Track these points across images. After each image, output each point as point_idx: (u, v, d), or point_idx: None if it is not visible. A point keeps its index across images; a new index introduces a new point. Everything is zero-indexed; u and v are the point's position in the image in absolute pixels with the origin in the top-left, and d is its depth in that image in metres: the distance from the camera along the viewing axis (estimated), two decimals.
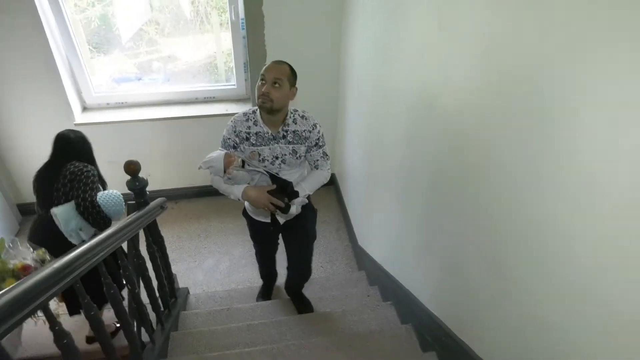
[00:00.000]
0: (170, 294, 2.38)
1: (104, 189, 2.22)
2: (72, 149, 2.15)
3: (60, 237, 2.05)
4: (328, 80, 3.40)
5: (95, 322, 1.31)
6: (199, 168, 1.86)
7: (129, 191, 2.01)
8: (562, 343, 1.08)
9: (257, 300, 2.72)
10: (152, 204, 2.11)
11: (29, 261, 1.87)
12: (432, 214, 1.84)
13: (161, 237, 2.27)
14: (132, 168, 2.03)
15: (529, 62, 1.08)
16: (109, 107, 3.37)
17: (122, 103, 3.39)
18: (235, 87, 3.51)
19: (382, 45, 2.27)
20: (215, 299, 2.74)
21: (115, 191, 2.13)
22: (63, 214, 2.00)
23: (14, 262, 1.84)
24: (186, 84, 3.54)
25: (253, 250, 3.32)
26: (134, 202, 2.07)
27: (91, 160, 2.23)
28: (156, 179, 3.53)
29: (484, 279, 1.44)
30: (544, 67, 1.02)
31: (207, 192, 3.89)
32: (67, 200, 2.03)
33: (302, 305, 2.51)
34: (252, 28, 3.05)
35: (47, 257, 1.95)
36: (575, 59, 0.92)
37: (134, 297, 1.77)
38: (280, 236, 2.38)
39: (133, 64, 3.58)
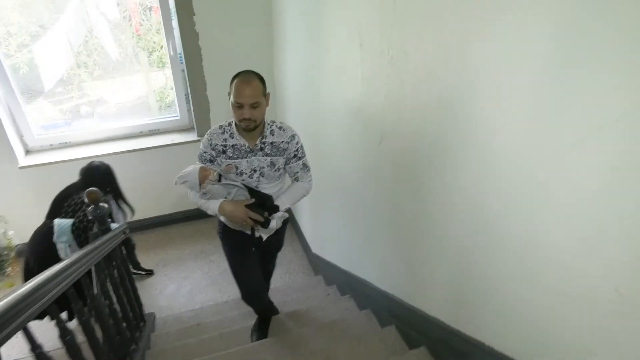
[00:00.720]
0: (140, 317, 2.45)
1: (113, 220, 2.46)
2: (98, 178, 2.49)
3: (52, 248, 2.28)
4: None
5: (86, 328, 1.43)
6: (175, 183, 1.82)
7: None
8: (484, 276, 1.38)
9: (252, 340, 2.35)
10: (114, 229, 2.22)
11: None
12: (370, 206, 2.12)
13: (126, 261, 2.37)
14: (93, 196, 2.14)
15: (430, 65, 1.41)
16: (52, 148, 3.39)
17: (66, 143, 3.43)
18: (178, 117, 3.66)
19: (310, 63, 2.57)
20: (183, 319, 2.82)
21: (114, 224, 2.32)
22: (61, 226, 2.23)
23: None
24: (130, 119, 3.64)
25: (213, 272, 3.48)
26: (96, 230, 2.17)
27: (113, 191, 2.60)
28: None
29: (421, 246, 1.73)
30: (440, 68, 1.35)
31: (159, 223, 3.96)
32: (71, 217, 2.27)
33: (268, 309, 2.65)
34: (191, 61, 3.25)
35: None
36: (461, 60, 1.25)
37: (112, 312, 1.87)
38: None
39: (60, 110, 3.56)
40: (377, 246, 2.19)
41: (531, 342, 1.24)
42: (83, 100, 3.59)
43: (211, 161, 1.86)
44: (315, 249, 3.36)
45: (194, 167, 1.80)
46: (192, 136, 3.61)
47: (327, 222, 2.92)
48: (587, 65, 0.89)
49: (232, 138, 1.82)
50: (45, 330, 1.79)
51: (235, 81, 1.71)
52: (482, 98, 1.21)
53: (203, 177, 1.75)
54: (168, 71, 3.55)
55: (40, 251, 2.27)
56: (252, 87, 1.68)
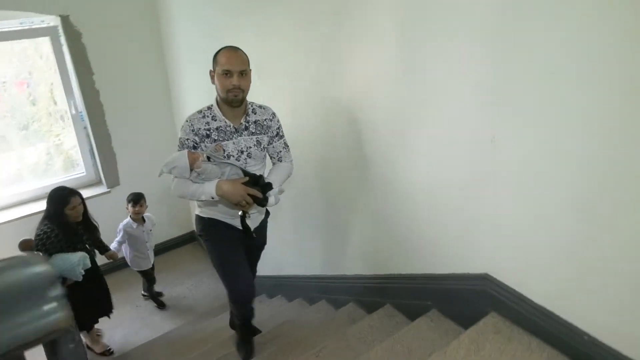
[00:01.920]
0: None
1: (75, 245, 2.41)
2: (47, 206, 2.39)
3: None
4: (162, 142, 3.77)
5: None
6: (160, 174, 1.74)
7: None
8: (380, 220, 1.90)
9: (244, 357, 2.19)
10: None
11: None
12: (289, 208, 2.58)
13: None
14: (27, 244, 2.29)
15: (313, 76, 1.96)
16: None
17: None
18: (84, 174, 3.77)
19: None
20: (127, 356, 2.92)
21: (72, 256, 2.25)
22: None
23: None
24: (33, 181, 3.65)
25: (143, 314, 3.56)
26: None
27: (57, 217, 2.36)
28: None
29: (330, 222, 2.23)
30: (327, 80, 1.91)
31: None
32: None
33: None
34: (94, 117, 3.46)
35: None
36: (339, 71, 1.81)
37: None
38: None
39: None
40: (297, 241, 2.64)
41: (423, 254, 1.76)
42: None
43: (194, 147, 1.79)
44: None
45: (179, 153, 1.73)
46: (101, 189, 3.74)
47: None
48: (421, 47, 1.49)
49: (215, 120, 1.80)
50: None
51: (221, 52, 1.75)
52: (356, 94, 1.77)
53: (193, 160, 1.70)
54: (42, 145, 3.64)
55: None
56: (239, 54, 1.74)
